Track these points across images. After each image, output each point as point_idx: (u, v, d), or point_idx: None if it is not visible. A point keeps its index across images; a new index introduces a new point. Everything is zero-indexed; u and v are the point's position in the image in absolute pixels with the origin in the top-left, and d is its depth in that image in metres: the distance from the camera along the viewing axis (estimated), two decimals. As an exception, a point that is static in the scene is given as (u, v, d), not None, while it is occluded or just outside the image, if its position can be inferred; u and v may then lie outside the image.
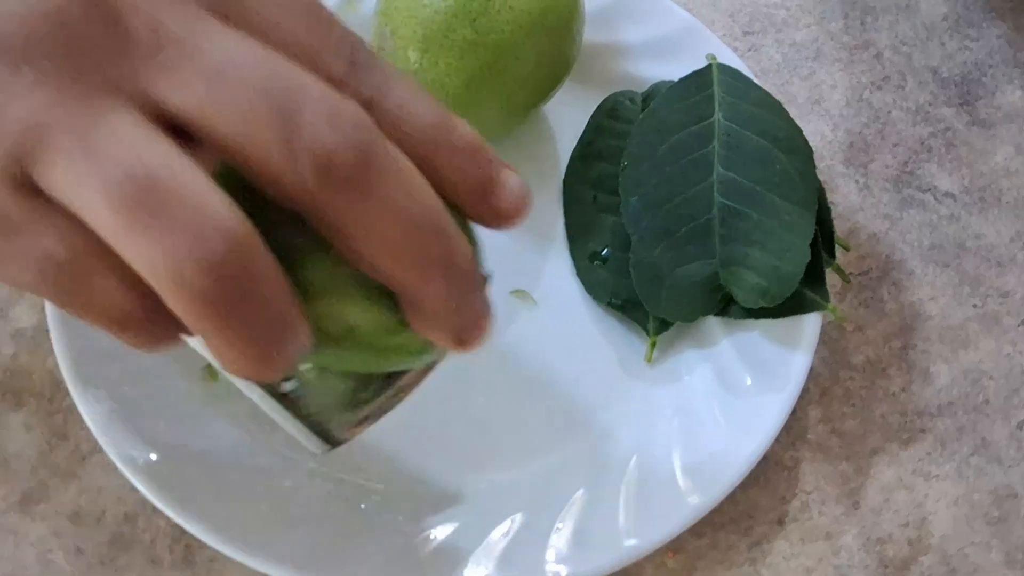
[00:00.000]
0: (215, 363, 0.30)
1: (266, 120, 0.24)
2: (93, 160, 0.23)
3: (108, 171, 0.23)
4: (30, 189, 0.24)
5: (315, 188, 0.24)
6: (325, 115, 0.24)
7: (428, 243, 0.26)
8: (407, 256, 0.26)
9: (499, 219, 0.29)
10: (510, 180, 0.29)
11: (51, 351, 0.44)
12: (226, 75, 0.24)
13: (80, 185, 0.23)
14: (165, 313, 0.25)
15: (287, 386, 0.36)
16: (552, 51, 0.49)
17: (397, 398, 0.37)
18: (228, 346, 0.25)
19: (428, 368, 0.38)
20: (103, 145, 0.23)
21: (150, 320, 0.26)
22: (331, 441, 0.36)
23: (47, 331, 0.44)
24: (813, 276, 0.46)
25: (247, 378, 0.26)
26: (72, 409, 0.44)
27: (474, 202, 0.29)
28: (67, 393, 0.43)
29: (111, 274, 0.25)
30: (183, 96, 0.24)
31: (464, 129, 0.29)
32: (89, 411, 0.43)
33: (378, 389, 0.35)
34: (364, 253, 0.26)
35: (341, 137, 0.24)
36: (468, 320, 0.28)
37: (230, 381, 0.46)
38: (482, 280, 0.29)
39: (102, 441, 0.42)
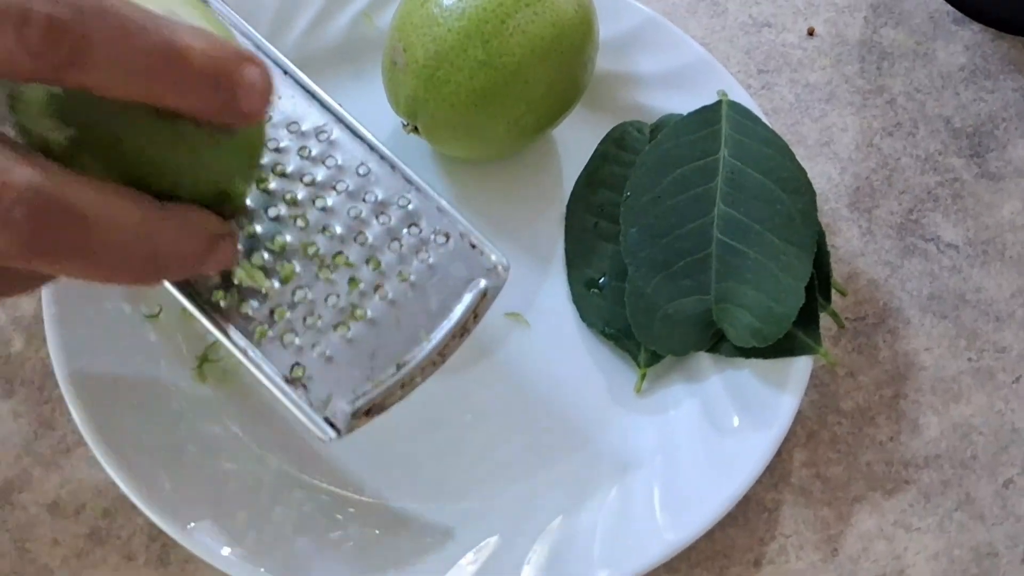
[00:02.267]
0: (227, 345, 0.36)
1: None
2: None
3: None
4: None
5: (36, 49, 0.26)
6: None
7: (164, 63, 0.28)
8: (157, 81, 0.29)
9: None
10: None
11: (45, 341, 0.44)
12: None
13: None
14: None
15: (296, 372, 0.38)
16: (563, 77, 0.49)
17: (405, 389, 0.38)
18: (83, 273, 0.29)
19: (435, 363, 0.38)
20: None
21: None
22: (337, 428, 0.37)
23: (43, 321, 0.45)
24: (807, 319, 0.46)
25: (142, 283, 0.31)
26: (61, 400, 0.44)
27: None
28: (57, 384, 0.44)
29: None
30: None
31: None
32: (76, 403, 0.43)
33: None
34: (122, 92, 0.28)
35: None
36: (240, 98, 0.30)
37: (220, 371, 0.47)
38: (235, 57, 0.30)
39: (85, 434, 0.43)
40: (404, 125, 0.50)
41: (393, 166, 0.39)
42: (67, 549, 0.44)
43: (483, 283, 0.39)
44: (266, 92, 0.31)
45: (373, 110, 0.51)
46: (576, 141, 0.53)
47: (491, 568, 0.42)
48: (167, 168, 0.31)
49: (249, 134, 0.34)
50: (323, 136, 0.40)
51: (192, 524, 0.42)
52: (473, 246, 0.39)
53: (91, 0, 0.27)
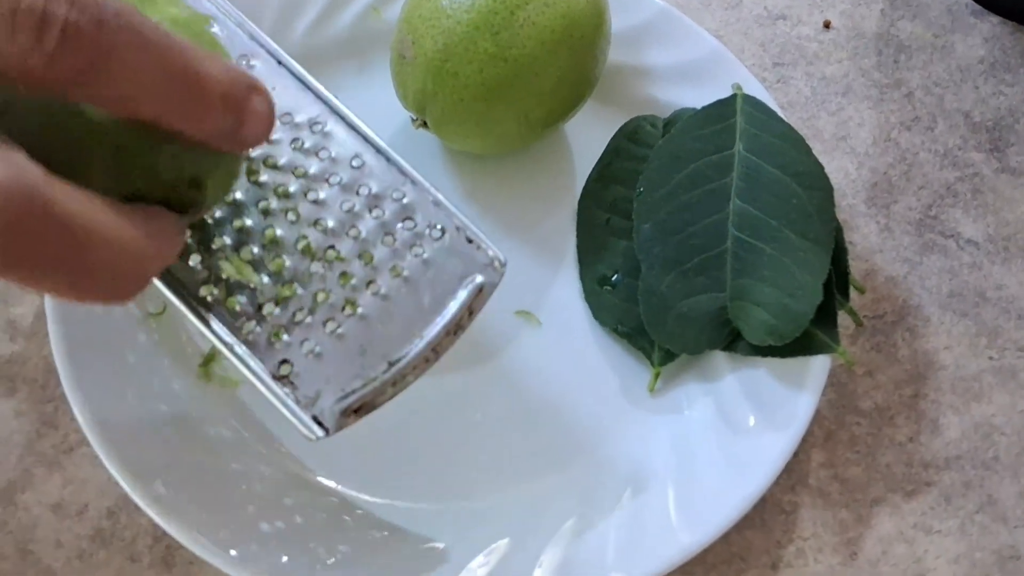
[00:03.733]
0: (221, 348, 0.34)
1: None
2: None
3: None
4: None
5: (53, 54, 0.25)
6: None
7: (182, 87, 0.28)
8: (171, 104, 0.28)
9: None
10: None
11: (48, 339, 0.44)
12: None
13: None
14: None
15: (284, 369, 0.36)
16: (574, 69, 0.48)
17: (396, 387, 0.37)
18: (50, 288, 0.26)
19: (428, 360, 0.37)
20: None
21: None
22: (324, 427, 0.36)
23: (45, 319, 0.44)
24: (824, 317, 0.45)
25: (107, 301, 0.28)
26: (64, 399, 0.44)
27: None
28: (60, 383, 0.43)
29: None
30: None
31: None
32: (78, 402, 0.42)
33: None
34: (130, 110, 0.27)
35: (56, 7, 0.25)
36: (245, 126, 0.30)
37: (225, 371, 0.46)
38: (247, 86, 0.30)
39: (88, 433, 0.42)
40: (413, 119, 0.49)
41: (388, 159, 0.38)
42: (70, 550, 0.43)
43: (479, 279, 0.38)
44: (270, 122, 0.30)
45: (380, 104, 0.51)
46: (588, 136, 0.52)
47: (502, 571, 0.41)
48: (138, 171, 0.30)
49: None
50: (317, 128, 0.39)
51: (197, 526, 0.41)
52: (469, 241, 0.38)
53: (114, 12, 0.25)
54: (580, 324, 0.49)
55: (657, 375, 0.47)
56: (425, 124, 0.49)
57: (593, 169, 0.51)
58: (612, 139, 0.51)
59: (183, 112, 0.28)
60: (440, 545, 0.43)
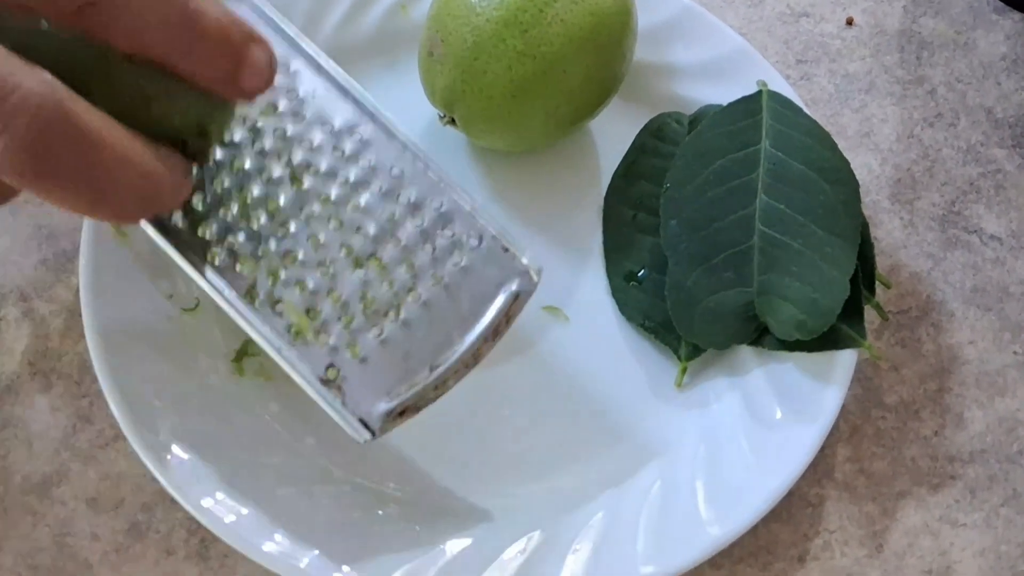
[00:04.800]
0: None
1: None
2: None
3: None
4: None
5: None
6: None
7: (180, 22, 0.29)
8: (169, 38, 0.29)
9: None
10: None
11: (84, 334, 0.44)
12: None
13: None
14: None
15: (330, 373, 0.37)
16: (601, 67, 0.48)
17: (438, 391, 0.38)
18: (69, 199, 0.28)
19: (467, 366, 0.38)
20: None
21: None
22: (371, 429, 0.37)
23: (81, 314, 0.44)
24: (851, 312, 0.45)
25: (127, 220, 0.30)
26: (99, 394, 0.44)
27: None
28: (95, 378, 0.44)
29: None
30: None
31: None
32: (115, 397, 0.43)
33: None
34: (133, 44, 0.29)
35: None
36: (242, 74, 0.31)
37: (265, 369, 0.46)
38: (246, 34, 0.31)
39: (125, 428, 0.42)
40: (440, 117, 0.50)
41: (427, 166, 0.39)
42: (106, 544, 0.44)
43: (515, 286, 0.38)
44: (269, 75, 0.32)
45: (408, 102, 0.51)
46: (613, 133, 0.53)
47: (534, 563, 0.42)
48: (151, 111, 0.31)
49: None
50: (356, 135, 0.39)
51: (232, 519, 0.41)
52: (505, 249, 0.38)
53: None
54: (607, 320, 0.49)
55: (684, 370, 0.47)
56: (453, 121, 0.49)
57: (619, 166, 0.52)
58: (637, 136, 0.52)
59: (183, 51, 0.29)
60: (471, 538, 0.43)
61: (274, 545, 0.41)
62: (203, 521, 0.41)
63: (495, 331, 0.38)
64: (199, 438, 0.43)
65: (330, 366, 0.37)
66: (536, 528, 0.43)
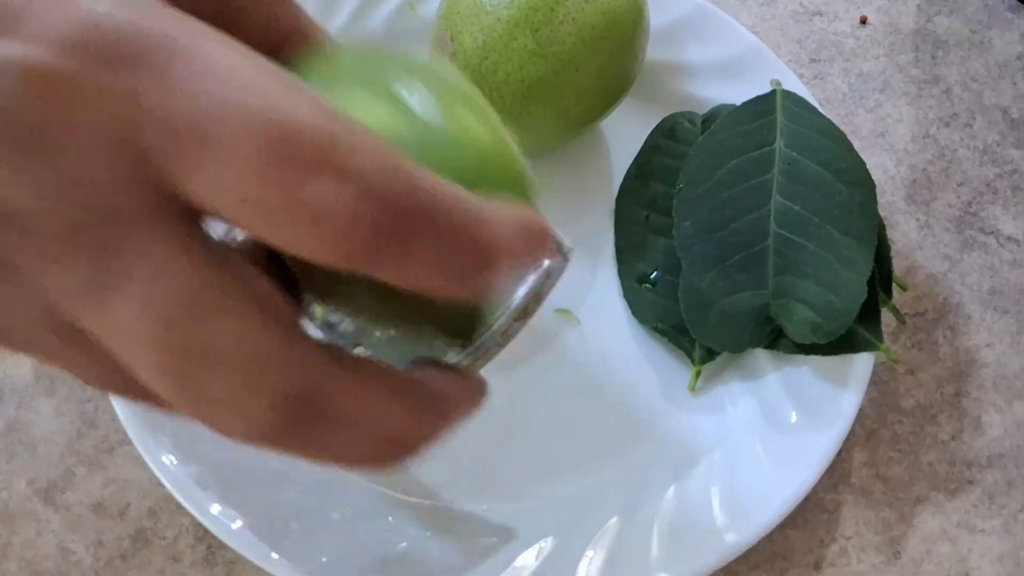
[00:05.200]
0: None
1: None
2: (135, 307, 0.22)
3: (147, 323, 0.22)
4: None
5: (354, 255, 0.23)
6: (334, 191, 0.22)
7: (475, 266, 0.25)
8: (463, 282, 0.25)
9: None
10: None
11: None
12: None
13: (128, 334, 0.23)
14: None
15: (357, 352, 0.36)
16: (613, 67, 0.48)
17: (474, 368, 0.37)
18: None
19: (498, 345, 0.37)
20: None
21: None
22: None
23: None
24: (868, 314, 0.44)
25: None
26: (104, 398, 0.44)
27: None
28: (99, 382, 0.43)
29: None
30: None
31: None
32: (120, 402, 0.42)
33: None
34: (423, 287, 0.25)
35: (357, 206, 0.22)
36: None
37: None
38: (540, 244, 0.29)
39: (131, 433, 0.42)
40: (450, 117, 0.49)
41: None
42: (111, 550, 0.43)
43: (545, 263, 0.38)
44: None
45: (417, 102, 0.50)
46: (624, 133, 0.52)
47: (547, 570, 0.41)
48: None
49: None
50: None
51: (240, 525, 0.41)
52: None
53: (406, 191, 0.23)
54: (619, 322, 0.49)
55: (698, 373, 0.47)
56: (462, 122, 0.49)
57: (631, 166, 0.51)
58: (649, 136, 0.51)
59: (470, 286, 0.26)
60: (483, 546, 0.43)
61: (283, 552, 0.40)
62: (210, 527, 0.40)
63: (525, 310, 0.38)
64: (206, 442, 0.43)
65: (356, 346, 0.37)
66: (549, 534, 0.42)
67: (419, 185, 0.23)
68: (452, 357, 0.38)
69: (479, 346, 0.38)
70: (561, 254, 0.39)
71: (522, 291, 0.38)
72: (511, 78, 0.46)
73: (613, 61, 0.48)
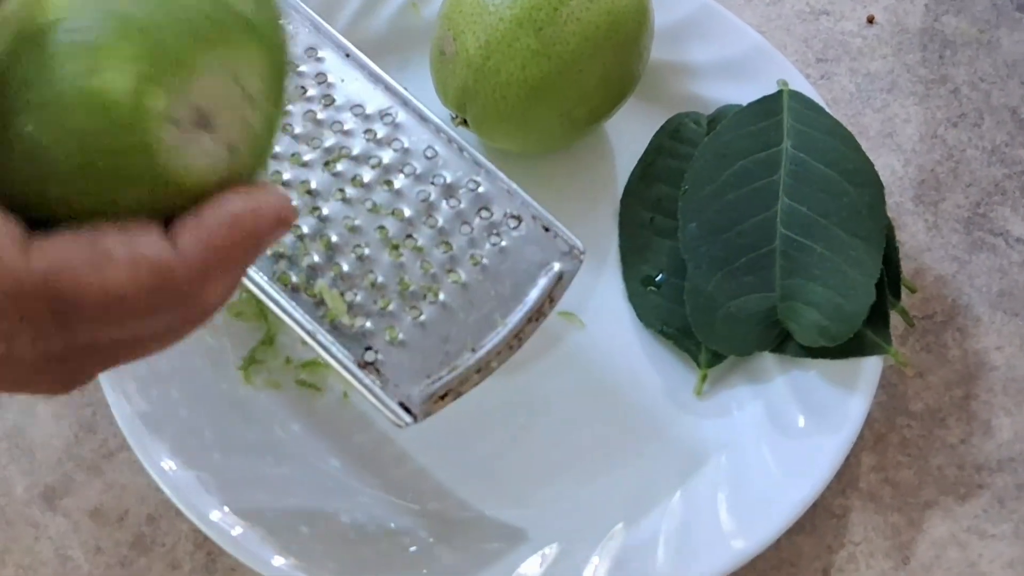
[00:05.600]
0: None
1: None
2: None
3: None
4: None
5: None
6: None
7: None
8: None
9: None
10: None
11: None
12: None
13: None
14: None
15: (368, 356, 0.37)
16: (618, 67, 0.47)
17: (481, 373, 0.38)
18: None
19: (511, 347, 0.38)
20: None
21: None
22: (412, 413, 0.37)
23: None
24: (877, 317, 0.44)
25: None
26: (103, 402, 0.43)
27: None
28: (99, 386, 0.43)
29: None
30: None
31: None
32: (119, 406, 0.42)
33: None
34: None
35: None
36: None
37: (269, 372, 0.45)
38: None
39: (130, 438, 0.41)
40: (453, 117, 0.49)
41: (461, 149, 0.40)
42: (110, 557, 0.43)
43: (557, 266, 0.39)
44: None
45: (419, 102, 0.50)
46: (629, 134, 0.52)
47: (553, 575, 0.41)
48: None
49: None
50: (388, 119, 0.40)
51: (240, 531, 0.40)
52: (546, 229, 0.39)
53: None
54: (624, 325, 0.48)
55: (704, 377, 0.46)
56: (465, 122, 0.48)
57: (635, 168, 0.50)
58: (654, 137, 0.51)
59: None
60: (487, 550, 0.42)
61: (284, 559, 0.40)
62: (210, 534, 0.40)
63: (539, 312, 0.39)
64: (207, 448, 0.42)
65: (368, 349, 0.37)
66: (553, 541, 0.42)
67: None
68: (465, 360, 0.38)
69: (491, 349, 0.38)
70: (573, 255, 0.39)
71: (534, 293, 0.38)
72: (514, 78, 0.45)
73: (617, 61, 0.47)
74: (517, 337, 0.39)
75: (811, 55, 0.56)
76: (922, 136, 0.54)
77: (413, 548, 0.42)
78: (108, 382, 0.42)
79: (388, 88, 0.40)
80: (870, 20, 0.57)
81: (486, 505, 0.44)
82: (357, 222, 0.38)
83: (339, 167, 0.39)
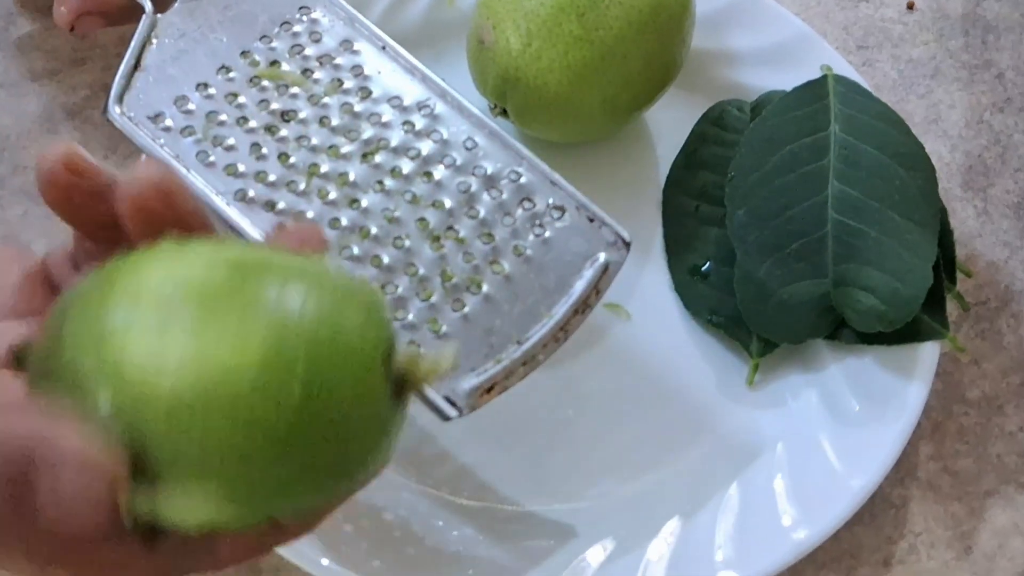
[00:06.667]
0: None
1: None
2: None
3: None
4: None
5: None
6: None
7: None
8: None
9: None
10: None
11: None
12: None
13: None
14: None
15: (412, 349, 0.36)
16: (661, 52, 0.46)
17: (527, 366, 0.37)
18: None
19: (557, 340, 0.37)
20: None
21: None
22: (458, 407, 0.36)
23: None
24: (933, 302, 0.43)
25: None
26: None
27: None
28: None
29: None
30: None
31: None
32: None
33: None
34: None
35: None
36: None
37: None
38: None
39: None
40: (492, 107, 0.48)
41: (502, 140, 0.38)
42: (154, 558, 0.42)
43: (603, 257, 0.38)
44: None
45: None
46: (670, 122, 0.51)
47: (607, 571, 0.40)
48: None
49: None
50: (426, 110, 0.39)
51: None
52: (591, 220, 0.38)
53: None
54: (671, 316, 0.47)
55: (756, 367, 0.45)
56: (504, 112, 0.47)
57: (678, 156, 0.49)
58: (697, 124, 0.50)
59: None
60: (539, 547, 0.41)
61: (332, 558, 0.39)
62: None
63: (585, 303, 0.38)
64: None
65: (410, 342, 0.36)
66: (608, 535, 0.41)
67: None
68: (510, 353, 0.37)
69: (537, 341, 0.37)
70: (619, 246, 0.38)
71: (580, 284, 0.37)
72: (556, 64, 0.44)
73: (660, 45, 0.46)
74: (563, 329, 0.38)
75: (852, 42, 0.55)
76: (968, 122, 0.53)
77: (459, 546, 0.41)
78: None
79: (425, 79, 0.40)
80: (910, 6, 0.56)
81: (533, 501, 0.43)
82: (397, 214, 0.37)
83: (378, 159, 0.38)
